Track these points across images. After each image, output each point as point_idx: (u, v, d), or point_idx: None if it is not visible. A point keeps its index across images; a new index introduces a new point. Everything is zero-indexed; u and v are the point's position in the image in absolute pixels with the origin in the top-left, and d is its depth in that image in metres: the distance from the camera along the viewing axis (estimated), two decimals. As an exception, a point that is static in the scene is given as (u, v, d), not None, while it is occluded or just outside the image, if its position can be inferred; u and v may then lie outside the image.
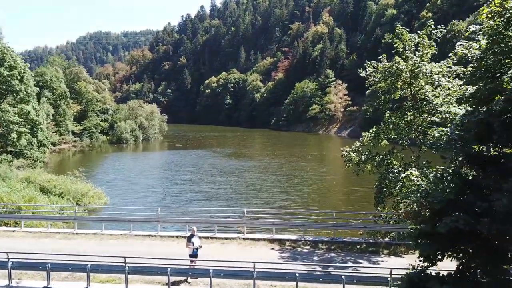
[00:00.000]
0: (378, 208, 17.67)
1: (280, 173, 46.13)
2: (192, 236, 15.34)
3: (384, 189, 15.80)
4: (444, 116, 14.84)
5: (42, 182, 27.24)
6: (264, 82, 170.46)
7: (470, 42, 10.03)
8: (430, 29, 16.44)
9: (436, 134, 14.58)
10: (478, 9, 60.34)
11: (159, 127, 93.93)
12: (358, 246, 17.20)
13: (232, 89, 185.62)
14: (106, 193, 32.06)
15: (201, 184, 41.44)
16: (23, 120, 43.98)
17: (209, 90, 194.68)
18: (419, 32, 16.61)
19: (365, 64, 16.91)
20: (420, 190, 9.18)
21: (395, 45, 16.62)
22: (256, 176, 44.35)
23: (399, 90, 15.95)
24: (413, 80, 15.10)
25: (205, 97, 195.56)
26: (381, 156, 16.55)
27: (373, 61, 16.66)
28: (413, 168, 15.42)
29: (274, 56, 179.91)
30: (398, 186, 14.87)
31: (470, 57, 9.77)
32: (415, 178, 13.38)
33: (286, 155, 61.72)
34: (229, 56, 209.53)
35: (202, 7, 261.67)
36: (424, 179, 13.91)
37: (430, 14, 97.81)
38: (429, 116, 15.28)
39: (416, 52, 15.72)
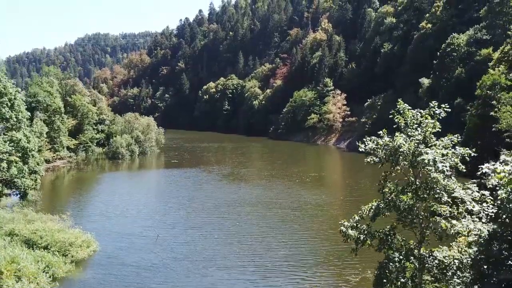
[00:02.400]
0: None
1: (277, 207, 44.36)
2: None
3: (384, 280, 14.77)
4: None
5: (27, 234, 26.14)
6: (263, 88, 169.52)
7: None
8: (434, 110, 15.41)
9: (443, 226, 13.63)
10: (478, 21, 59.79)
11: (155, 140, 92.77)
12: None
13: (231, 95, 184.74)
14: (96, 235, 30.87)
15: (192, 227, 38.24)
16: (13, 148, 42.86)
17: (207, 95, 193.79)
18: (421, 111, 15.58)
19: (364, 140, 15.85)
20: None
21: (396, 120, 15.60)
22: (251, 214, 42.50)
23: (401, 170, 14.97)
24: (415, 163, 14.11)
25: (203, 103, 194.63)
26: (381, 236, 15.55)
27: (373, 137, 15.63)
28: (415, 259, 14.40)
29: (273, 62, 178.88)
30: (400, 282, 13.88)
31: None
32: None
33: (284, 177, 60.30)
34: (228, 61, 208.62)
35: (200, 11, 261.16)
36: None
37: (429, 25, 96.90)
38: (434, 203, 14.28)
39: (419, 129, 14.72)
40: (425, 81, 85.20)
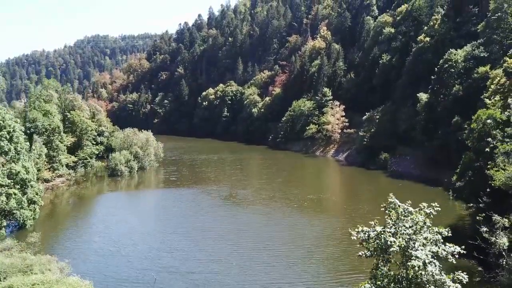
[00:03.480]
0: None
1: (273, 241, 44.28)
2: None
3: None
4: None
5: (26, 288, 26.40)
6: (262, 96, 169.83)
7: None
8: (426, 210, 15.66)
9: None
10: (476, 35, 59.90)
11: (154, 154, 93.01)
12: None
13: (230, 102, 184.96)
14: (94, 281, 30.76)
15: (188, 271, 37.21)
16: (12, 180, 43.16)
17: (206, 102, 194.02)
18: (413, 211, 15.80)
19: (356, 230, 16.09)
20: None
21: (387, 212, 15.86)
22: (247, 247, 42.49)
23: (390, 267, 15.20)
24: (406, 265, 14.35)
25: (203, 109, 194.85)
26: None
27: (365, 228, 15.87)
28: None
29: (272, 69, 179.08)
30: None
31: None
32: None
33: (283, 201, 60.26)
34: (227, 68, 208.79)
35: (199, 15, 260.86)
36: None
37: (427, 38, 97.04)
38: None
39: (409, 222, 14.94)
40: (423, 96, 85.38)
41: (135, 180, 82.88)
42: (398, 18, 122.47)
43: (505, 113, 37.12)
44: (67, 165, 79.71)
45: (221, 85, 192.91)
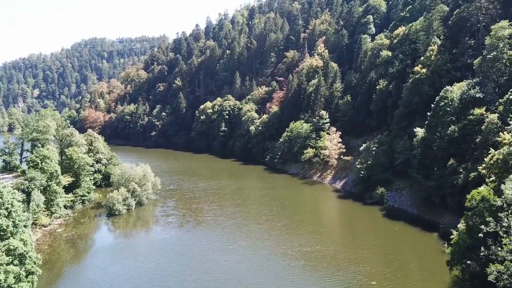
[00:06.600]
0: None
1: None
2: None
3: None
4: None
5: None
6: (259, 112, 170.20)
7: None
8: None
9: None
10: (472, 69, 60.59)
11: (152, 187, 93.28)
12: None
13: (227, 117, 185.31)
14: None
15: None
16: (10, 256, 43.47)
17: (203, 116, 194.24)
18: None
19: None
20: None
21: None
22: None
23: None
24: None
25: (200, 123, 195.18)
26: None
27: None
28: None
29: (269, 85, 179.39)
30: None
31: None
32: None
33: (279, 253, 61.19)
34: (224, 80, 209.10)
35: (197, 25, 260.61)
36: None
37: (424, 70, 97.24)
38: None
39: None
40: (420, 132, 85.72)
41: (133, 219, 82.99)
42: (395, 41, 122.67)
43: (499, 199, 37.68)
44: (64, 206, 79.99)
45: (218, 99, 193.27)
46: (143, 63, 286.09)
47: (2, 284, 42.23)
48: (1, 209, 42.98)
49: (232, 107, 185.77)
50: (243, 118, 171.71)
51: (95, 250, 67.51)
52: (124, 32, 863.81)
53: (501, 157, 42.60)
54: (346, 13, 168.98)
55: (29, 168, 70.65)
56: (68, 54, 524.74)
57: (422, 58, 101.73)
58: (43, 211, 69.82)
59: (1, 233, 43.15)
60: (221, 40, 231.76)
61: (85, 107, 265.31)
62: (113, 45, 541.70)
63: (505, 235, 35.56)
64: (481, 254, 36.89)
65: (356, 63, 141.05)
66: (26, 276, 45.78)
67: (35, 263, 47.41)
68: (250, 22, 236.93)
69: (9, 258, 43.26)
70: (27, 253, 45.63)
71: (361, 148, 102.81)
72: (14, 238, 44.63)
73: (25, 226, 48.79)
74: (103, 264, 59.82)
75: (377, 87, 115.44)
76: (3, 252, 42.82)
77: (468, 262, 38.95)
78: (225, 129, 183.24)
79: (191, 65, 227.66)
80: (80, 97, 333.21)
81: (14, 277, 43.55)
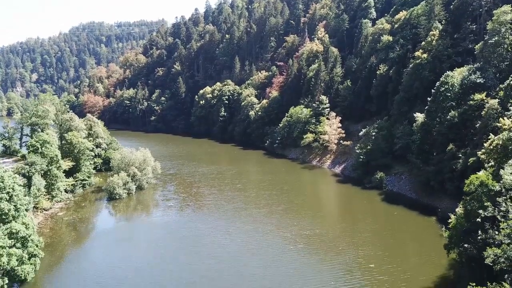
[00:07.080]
0: None
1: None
2: None
3: None
4: None
5: None
6: (259, 97, 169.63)
7: None
8: None
9: None
10: (473, 54, 60.99)
11: (152, 171, 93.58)
12: None
13: (227, 102, 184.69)
14: None
15: None
16: (13, 239, 43.89)
17: (203, 100, 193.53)
18: None
19: None
20: None
21: None
22: None
23: None
24: None
25: (199, 108, 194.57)
26: None
27: None
28: None
29: (269, 69, 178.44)
30: None
31: None
32: None
33: (279, 236, 61.87)
34: (224, 64, 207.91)
35: (196, 9, 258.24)
36: None
37: (425, 55, 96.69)
38: None
39: None
40: (420, 117, 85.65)
41: (133, 202, 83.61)
42: (396, 25, 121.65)
43: (498, 184, 37.98)
44: (65, 190, 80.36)
45: (218, 83, 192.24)
46: (142, 48, 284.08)
47: (5, 267, 42.75)
48: (3, 193, 43.29)
49: (231, 92, 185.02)
50: (243, 103, 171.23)
51: (96, 233, 68.23)
52: (123, 16, 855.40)
53: (500, 142, 42.74)
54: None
55: (29, 152, 70.83)
56: (66, 38, 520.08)
57: (423, 43, 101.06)
58: (44, 195, 70.27)
59: (3, 217, 43.52)
60: (221, 25, 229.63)
61: (84, 92, 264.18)
62: (111, 29, 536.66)
63: (502, 220, 35.93)
64: (479, 238, 37.33)
65: (357, 48, 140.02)
66: (29, 259, 46.34)
67: (37, 246, 47.95)
68: (249, 6, 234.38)
69: (11, 241, 43.71)
70: (29, 236, 46.11)
71: (361, 133, 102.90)
72: (16, 221, 45.01)
73: (26, 210, 49.20)
74: (104, 247, 60.56)
75: (378, 72, 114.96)
76: (5, 235, 43.21)
77: (466, 245, 39.43)
78: (225, 114, 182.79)
79: (190, 50, 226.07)
80: (79, 81, 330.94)
81: (17, 260, 44.06)
